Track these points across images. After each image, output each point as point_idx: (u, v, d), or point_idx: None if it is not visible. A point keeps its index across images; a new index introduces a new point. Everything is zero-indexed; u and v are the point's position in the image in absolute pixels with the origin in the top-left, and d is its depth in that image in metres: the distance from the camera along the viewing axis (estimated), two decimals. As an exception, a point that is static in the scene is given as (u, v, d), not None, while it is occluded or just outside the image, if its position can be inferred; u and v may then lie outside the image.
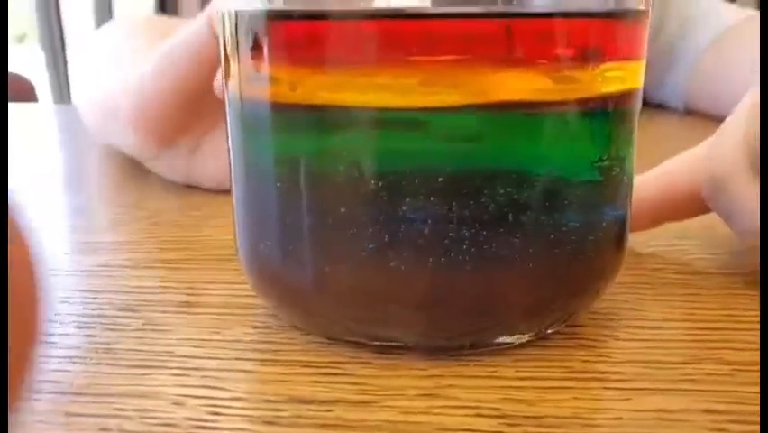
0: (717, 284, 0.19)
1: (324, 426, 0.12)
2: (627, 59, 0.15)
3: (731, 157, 0.17)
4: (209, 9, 0.25)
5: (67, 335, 0.16)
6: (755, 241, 0.17)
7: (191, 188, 0.28)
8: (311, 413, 0.13)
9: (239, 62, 0.14)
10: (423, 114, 0.13)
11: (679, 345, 0.16)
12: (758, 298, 0.18)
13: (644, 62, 0.15)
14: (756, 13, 0.57)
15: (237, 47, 0.14)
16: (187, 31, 0.26)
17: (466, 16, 0.13)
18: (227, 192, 0.17)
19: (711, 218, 0.19)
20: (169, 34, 0.27)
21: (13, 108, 0.62)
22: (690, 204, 0.19)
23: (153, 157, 0.29)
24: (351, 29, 0.13)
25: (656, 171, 0.20)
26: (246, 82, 0.14)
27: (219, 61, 0.23)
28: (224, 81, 0.15)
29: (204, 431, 0.12)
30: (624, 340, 0.16)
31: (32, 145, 0.43)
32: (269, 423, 0.13)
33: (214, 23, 0.24)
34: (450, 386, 0.14)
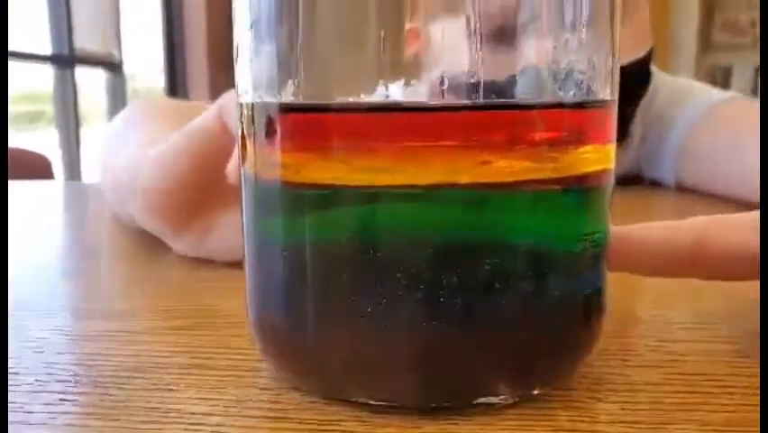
0: (700, 351, 0.20)
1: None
2: (600, 142, 0.16)
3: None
4: (220, 101, 0.27)
5: (86, 393, 0.17)
6: None
7: (202, 260, 0.30)
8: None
9: (254, 146, 0.16)
10: (414, 191, 0.15)
11: (660, 406, 0.16)
12: (739, 364, 0.19)
13: (613, 145, 0.17)
14: (736, 95, 0.60)
15: (253, 133, 0.16)
16: (198, 122, 0.27)
17: (456, 109, 0.15)
18: (236, 265, 0.18)
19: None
20: (182, 116, 0.29)
21: (32, 184, 0.65)
22: (691, 260, 0.19)
23: (169, 237, 0.30)
24: (350, 119, 0.15)
25: (663, 222, 0.20)
26: (259, 163, 0.16)
27: (230, 150, 0.25)
28: (240, 162, 0.17)
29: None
30: (608, 402, 0.17)
31: (49, 219, 0.45)
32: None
33: (225, 116, 0.26)
34: (441, 443, 0.15)
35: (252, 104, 0.16)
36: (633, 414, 0.16)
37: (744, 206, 0.22)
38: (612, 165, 0.17)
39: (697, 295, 0.24)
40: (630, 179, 0.61)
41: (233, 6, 0.17)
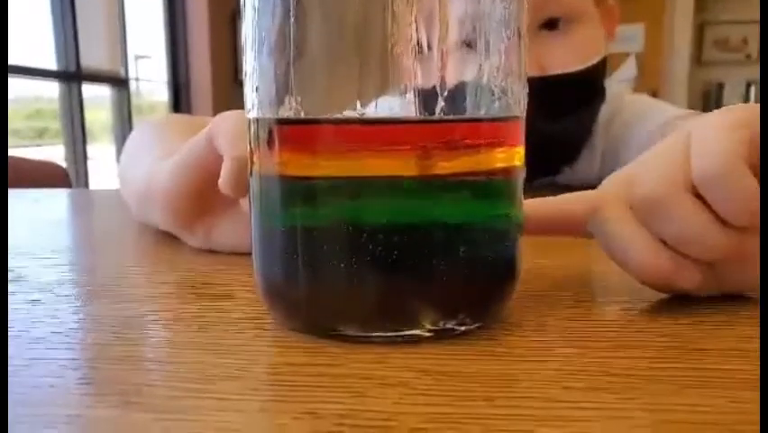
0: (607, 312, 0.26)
1: (311, 376, 0.19)
2: (511, 145, 0.22)
3: (612, 192, 0.25)
4: (210, 125, 0.33)
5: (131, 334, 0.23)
6: (625, 269, 0.25)
7: (212, 251, 0.36)
8: (304, 369, 0.20)
9: (258, 149, 0.22)
10: (376, 181, 0.21)
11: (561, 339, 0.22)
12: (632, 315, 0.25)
13: (522, 148, 0.23)
14: (695, 112, 0.66)
15: (258, 140, 0.22)
16: (193, 142, 0.34)
17: (411, 122, 0.21)
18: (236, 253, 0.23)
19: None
20: (189, 130, 0.36)
21: (51, 192, 0.71)
22: (578, 225, 0.26)
23: (183, 234, 0.36)
24: (328, 130, 0.21)
25: (559, 197, 0.27)
26: (262, 163, 0.22)
27: (219, 166, 0.31)
28: (249, 162, 0.23)
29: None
30: (517, 337, 0.23)
31: (65, 222, 0.51)
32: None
33: (213, 138, 0.32)
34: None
35: (258, 119, 0.22)
36: (538, 345, 0.22)
37: None
38: (520, 163, 0.23)
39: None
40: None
41: (242, 34, 0.23)
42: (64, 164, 2.47)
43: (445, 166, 0.21)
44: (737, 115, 0.24)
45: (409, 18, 0.20)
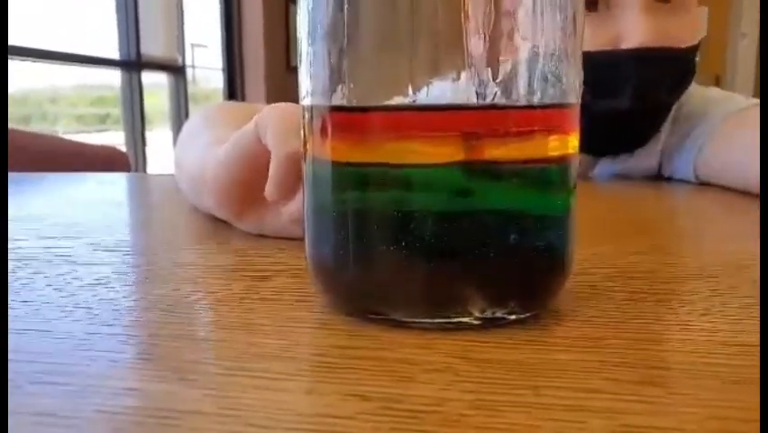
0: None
1: (356, 358, 0.20)
2: (564, 133, 0.22)
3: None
4: (257, 117, 0.33)
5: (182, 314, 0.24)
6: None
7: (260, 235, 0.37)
8: (349, 351, 0.20)
9: (312, 137, 0.22)
10: (425, 169, 0.21)
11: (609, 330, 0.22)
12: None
13: (575, 136, 0.23)
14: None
15: (311, 127, 0.22)
16: (241, 133, 0.34)
17: (462, 108, 0.21)
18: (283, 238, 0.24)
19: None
20: (243, 117, 0.36)
21: (112, 176, 0.74)
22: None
23: (230, 219, 0.37)
24: (381, 117, 0.21)
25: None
26: (315, 148, 0.22)
27: (266, 157, 0.31)
28: (302, 150, 0.23)
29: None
30: (566, 327, 0.22)
31: (124, 205, 0.53)
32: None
33: (260, 130, 0.32)
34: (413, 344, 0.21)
35: (311, 106, 0.22)
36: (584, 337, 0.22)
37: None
38: (573, 150, 0.23)
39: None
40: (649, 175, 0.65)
41: (297, 22, 0.23)
42: (124, 149, 2.56)
43: (496, 153, 0.21)
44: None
45: (461, 4, 0.20)
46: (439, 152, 0.21)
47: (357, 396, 0.17)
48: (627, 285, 0.27)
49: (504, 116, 0.21)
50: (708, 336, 0.22)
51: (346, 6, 0.21)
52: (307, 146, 0.23)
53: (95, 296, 0.26)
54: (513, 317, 0.22)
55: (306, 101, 0.23)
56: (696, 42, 0.60)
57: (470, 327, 0.22)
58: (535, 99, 0.21)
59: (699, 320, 0.23)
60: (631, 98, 0.58)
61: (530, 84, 0.21)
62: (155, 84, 3.00)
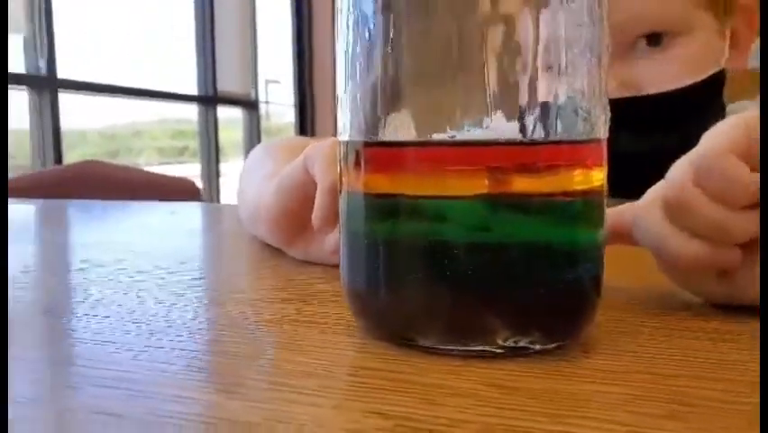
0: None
1: (385, 380, 0.21)
2: (592, 167, 0.23)
3: (649, 203, 0.27)
4: (306, 151, 0.35)
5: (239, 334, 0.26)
6: (667, 273, 0.27)
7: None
8: (379, 373, 0.21)
9: (347, 170, 0.24)
10: (455, 201, 0.22)
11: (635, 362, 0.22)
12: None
13: (604, 169, 0.23)
14: None
15: (346, 161, 0.24)
16: (290, 168, 0.36)
17: (491, 144, 0.22)
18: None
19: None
20: (298, 150, 0.38)
21: (184, 205, 0.78)
22: (617, 236, 0.28)
23: (282, 247, 0.40)
24: (412, 152, 0.22)
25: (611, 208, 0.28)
26: (350, 181, 0.24)
27: (313, 190, 0.33)
28: (339, 182, 0.25)
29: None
30: (594, 360, 0.23)
31: (194, 233, 0.56)
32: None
33: (308, 164, 0.34)
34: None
35: (347, 141, 0.24)
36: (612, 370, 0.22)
37: None
38: (600, 184, 0.23)
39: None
40: None
41: (337, 60, 0.25)
42: (200, 180, 2.69)
43: (522, 187, 0.22)
44: (741, 117, 0.26)
45: (496, 45, 0.21)
46: (466, 185, 0.22)
47: (378, 414, 0.19)
48: (658, 320, 0.27)
49: (532, 152, 0.22)
50: (739, 376, 0.22)
51: (382, 46, 0.22)
52: (342, 179, 0.25)
53: (155, 315, 0.28)
54: (537, 347, 0.23)
55: (342, 136, 0.24)
56: (696, 80, 0.56)
57: (494, 355, 0.22)
58: (564, 135, 0.22)
59: (730, 357, 0.23)
60: (627, 141, 0.56)
61: (558, 119, 0.22)
62: (230, 118, 3.14)
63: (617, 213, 0.28)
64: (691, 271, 0.27)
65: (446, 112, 0.22)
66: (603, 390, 0.20)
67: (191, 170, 2.86)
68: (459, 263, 0.22)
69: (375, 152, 0.23)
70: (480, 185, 0.22)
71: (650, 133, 0.56)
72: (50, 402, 0.20)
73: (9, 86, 1.98)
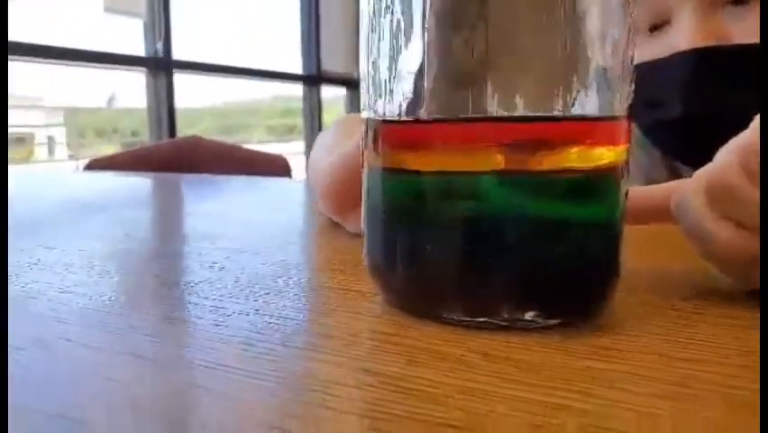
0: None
1: (380, 342, 0.22)
2: (612, 144, 0.23)
3: (694, 186, 0.26)
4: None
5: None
6: (707, 258, 0.26)
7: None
8: (380, 336, 0.23)
9: (367, 147, 0.25)
10: (476, 176, 0.22)
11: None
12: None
13: (624, 147, 0.23)
14: None
15: (367, 138, 0.25)
16: (348, 144, 0.38)
17: (508, 120, 0.22)
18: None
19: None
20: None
21: (273, 181, 0.83)
22: (662, 214, 0.27)
23: (338, 220, 0.42)
24: (429, 128, 0.23)
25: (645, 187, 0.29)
26: (370, 159, 0.25)
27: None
28: (362, 160, 0.26)
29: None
30: (606, 336, 0.23)
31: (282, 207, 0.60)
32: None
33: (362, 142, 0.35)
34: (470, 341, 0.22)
35: (368, 119, 0.25)
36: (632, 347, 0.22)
37: None
38: (622, 160, 0.23)
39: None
40: None
41: (359, 38, 0.25)
42: (304, 158, 2.78)
43: (541, 163, 0.22)
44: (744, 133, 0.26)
45: (521, 21, 0.22)
46: (486, 160, 0.22)
47: (365, 370, 0.20)
48: (688, 303, 0.26)
49: (550, 128, 0.22)
50: (752, 362, 0.21)
51: (402, 23, 0.23)
52: (364, 156, 0.26)
53: (212, 267, 0.31)
54: (545, 322, 0.23)
55: (363, 114, 0.26)
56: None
57: (504, 328, 0.23)
58: (585, 111, 0.22)
59: (749, 343, 0.22)
60: (682, 105, 0.53)
61: (581, 95, 0.22)
62: (334, 97, 3.22)
63: (665, 189, 0.28)
64: (730, 258, 0.26)
65: (470, 89, 0.22)
66: (600, 366, 0.20)
67: (298, 148, 2.98)
68: (466, 237, 0.23)
69: (392, 129, 0.24)
70: (495, 161, 0.22)
71: (732, 88, 0.53)
72: (176, 359, 0.22)
73: (130, 67, 2.16)
